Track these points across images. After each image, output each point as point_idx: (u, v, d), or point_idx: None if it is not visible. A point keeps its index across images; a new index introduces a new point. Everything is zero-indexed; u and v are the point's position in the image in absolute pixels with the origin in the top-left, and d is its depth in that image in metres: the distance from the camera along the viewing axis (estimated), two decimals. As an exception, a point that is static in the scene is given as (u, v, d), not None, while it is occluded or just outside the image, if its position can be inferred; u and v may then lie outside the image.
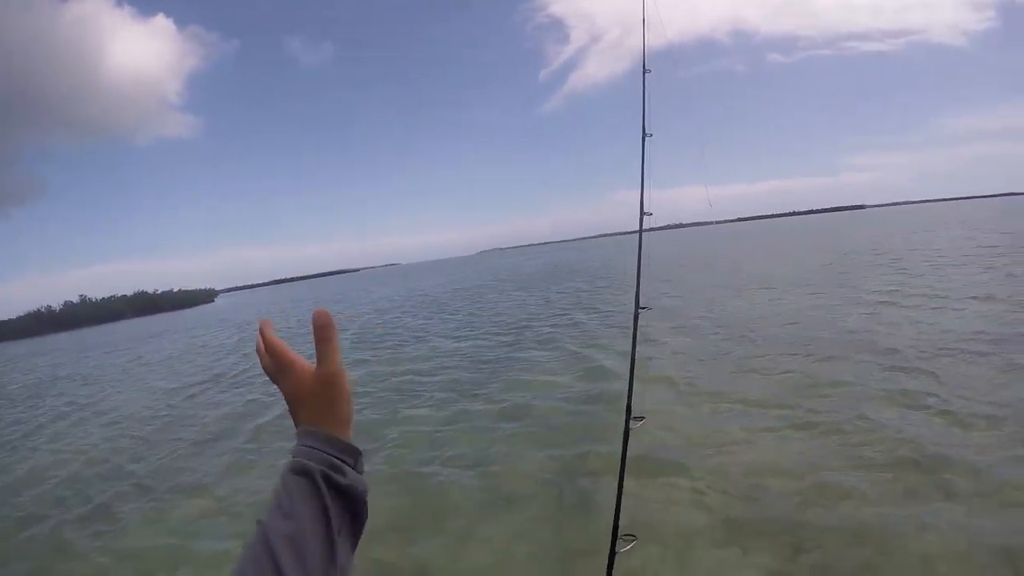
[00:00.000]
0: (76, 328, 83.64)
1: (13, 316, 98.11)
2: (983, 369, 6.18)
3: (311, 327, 0.60)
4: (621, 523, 2.07)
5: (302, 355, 0.64)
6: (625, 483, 2.19)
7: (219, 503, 5.58)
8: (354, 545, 0.56)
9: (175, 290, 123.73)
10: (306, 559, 0.49)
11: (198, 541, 4.82)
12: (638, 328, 2.38)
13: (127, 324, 72.27)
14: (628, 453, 2.15)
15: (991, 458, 4.21)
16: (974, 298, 9.86)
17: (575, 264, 43.04)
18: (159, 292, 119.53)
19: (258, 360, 0.66)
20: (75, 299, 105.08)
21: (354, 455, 0.58)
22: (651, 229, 2.46)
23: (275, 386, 0.65)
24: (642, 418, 2.15)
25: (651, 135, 2.46)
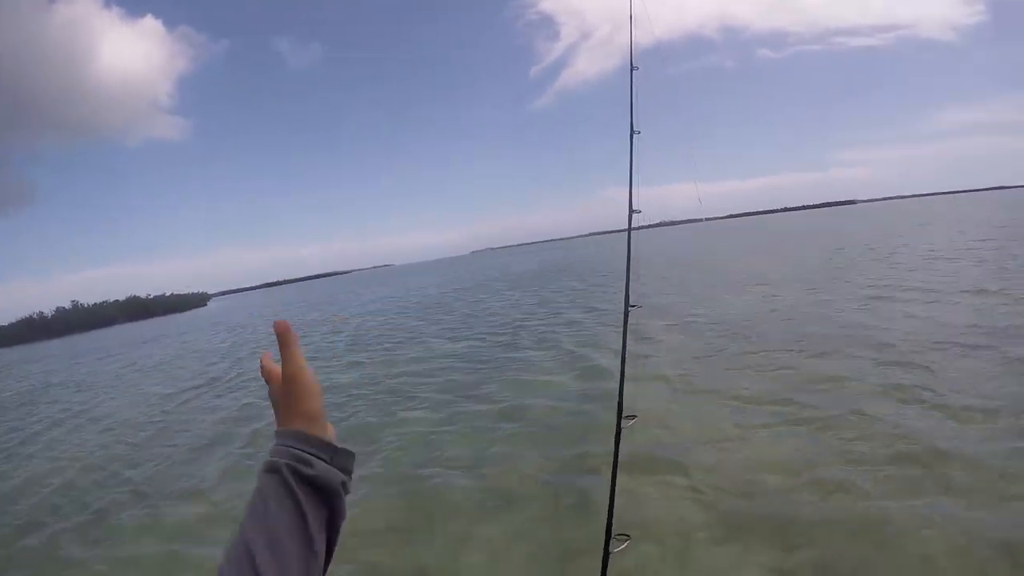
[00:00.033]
0: (68, 334, 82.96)
1: (5, 323, 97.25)
2: (977, 363, 6.22)
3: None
4: (616, 522, 2.08)
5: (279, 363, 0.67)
6: (621, 482, 2.19)
7: (216, 508, 5.55)
8: (333, 538, 0.58)
9: (167, 294, 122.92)
10: (282, 555, 0.51)
11: (195, 547, 4.79)
12: (628, 326, 2.38)
13: (120, 329, 71.77)
14: (623, 452, 2.15)
15: (988, 451, 4.23)
16: (966, 292, 9.95)
17: (565, 263, 43.07)
18: (151, 296, 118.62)
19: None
20: (67, 305, 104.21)
21: (322, 446, 0.59)
22: (641, 227, 2.46)
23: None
24: (634, 416, 2.15)
25: (639, 132, 2.46)
